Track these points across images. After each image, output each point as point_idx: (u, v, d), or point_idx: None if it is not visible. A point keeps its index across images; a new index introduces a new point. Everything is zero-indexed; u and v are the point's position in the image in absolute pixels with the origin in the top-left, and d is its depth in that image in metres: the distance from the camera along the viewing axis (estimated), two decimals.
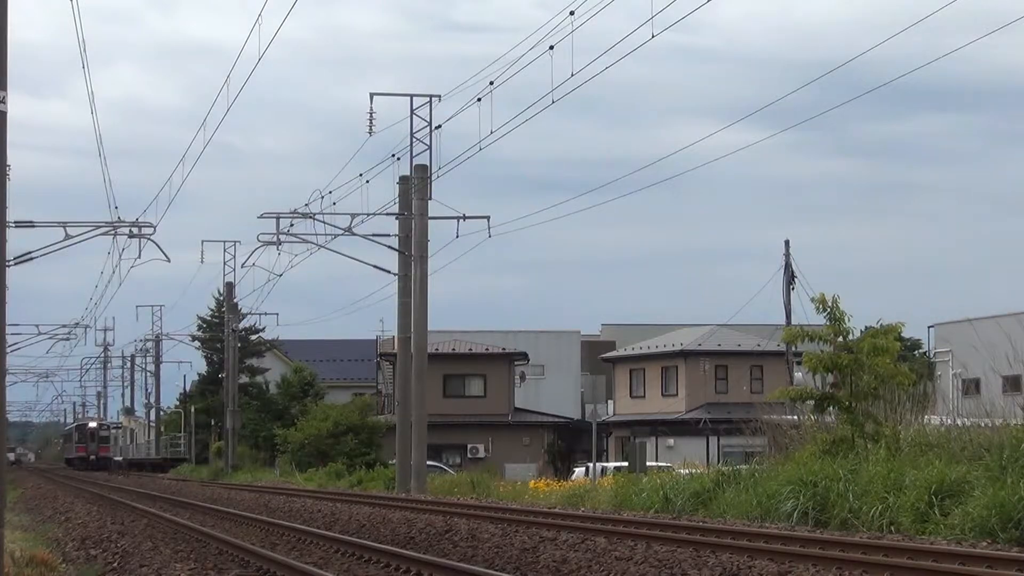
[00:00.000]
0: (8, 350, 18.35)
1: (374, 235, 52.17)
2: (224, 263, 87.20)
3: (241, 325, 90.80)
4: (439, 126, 49.86)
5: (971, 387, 57.77)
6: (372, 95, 49.94)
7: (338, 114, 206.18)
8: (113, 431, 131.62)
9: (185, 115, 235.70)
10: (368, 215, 51.68)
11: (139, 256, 49.77)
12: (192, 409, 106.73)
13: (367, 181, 51.19)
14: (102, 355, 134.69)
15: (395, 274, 53.02)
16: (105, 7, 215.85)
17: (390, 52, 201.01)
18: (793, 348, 54.03)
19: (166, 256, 49.02)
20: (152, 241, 48.65)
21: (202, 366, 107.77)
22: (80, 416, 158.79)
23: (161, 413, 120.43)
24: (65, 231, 47.53)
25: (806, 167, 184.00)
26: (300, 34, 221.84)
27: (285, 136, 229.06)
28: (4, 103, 16.63)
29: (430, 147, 50.31)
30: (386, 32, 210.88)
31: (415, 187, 50.66)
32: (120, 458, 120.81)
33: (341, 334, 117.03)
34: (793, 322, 57.36)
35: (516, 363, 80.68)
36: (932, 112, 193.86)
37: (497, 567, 20.16)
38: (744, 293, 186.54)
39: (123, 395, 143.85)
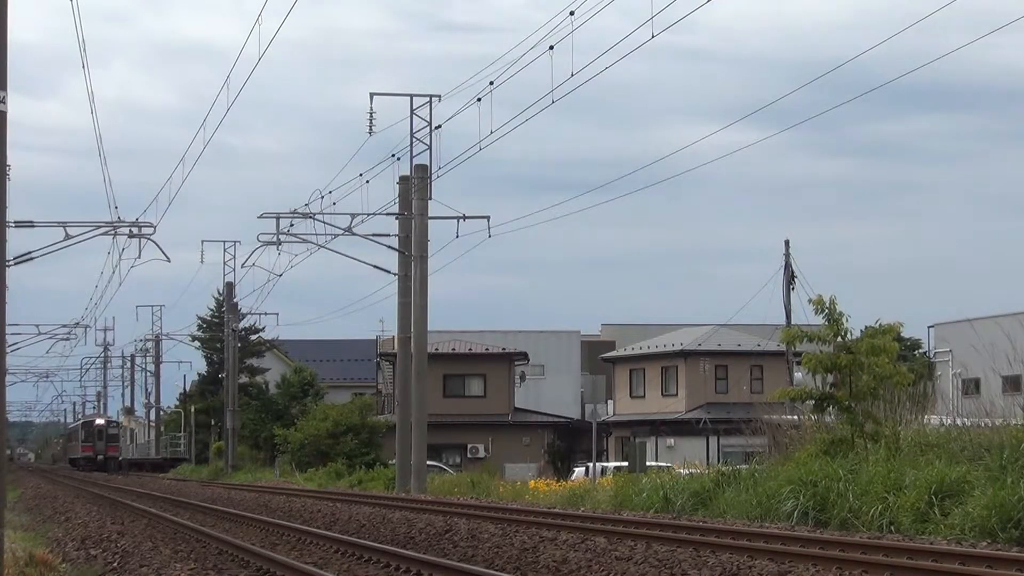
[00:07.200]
0: (8, 350, 18.34)
1: (374, 235, 52.21)
2: (224, 263, 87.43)
3: (241, 325, 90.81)
4: (439, 126, 49.94)
5: (971, 387, 57.78)
6: (372, 95, 50.08)
7: (338, 114, 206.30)
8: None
9: (181, 115, 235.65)
10: (368, 215, 51.73)
11: (139, 256, 49.88)
12: (192, 409, 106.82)
13: (367, 181, 51.25)
14: (102, 355, 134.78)
15: (395, 274, 53.02)
16: (98, 7, 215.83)
17: (387, 52, 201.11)
18: (793, 348, 54.03)
19: (166, 256, 49.11)
20: (152, 241, 48.71)
21: (202, 366, 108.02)
22: (80, 415, 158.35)
23: (161, 413, 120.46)
24: (65, 231, 47.54)
25: (806, 167, 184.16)
26: (297, 34, 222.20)
27: (285, 136, 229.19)
28: (4, 103, 16.63)
29: (430, 147, 50.37)
30: (383, 32, 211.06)
31: (415, 187, 50.65)
32: (120, 458, 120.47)
33: (341, 334, 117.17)
34: (793, 322, 57.33)
35: (516, 363, 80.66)
36: (932, 112, 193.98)
37: (497, 567, 20.15)
38: (744, 293, 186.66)
39: (123, 395, 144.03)
